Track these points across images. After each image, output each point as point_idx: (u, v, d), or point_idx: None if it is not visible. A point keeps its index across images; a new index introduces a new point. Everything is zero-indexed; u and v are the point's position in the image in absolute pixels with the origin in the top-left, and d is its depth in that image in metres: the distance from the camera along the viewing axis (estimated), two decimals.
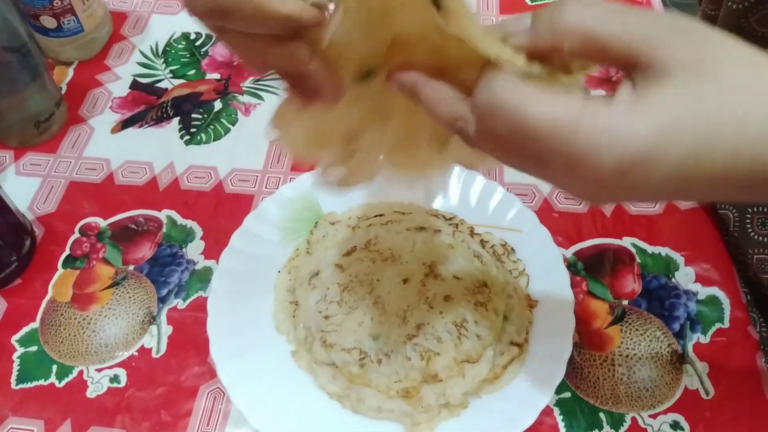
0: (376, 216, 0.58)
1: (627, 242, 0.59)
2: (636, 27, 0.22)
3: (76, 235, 0.60)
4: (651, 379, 0.51)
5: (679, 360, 0.52)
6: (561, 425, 0.49)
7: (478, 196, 0.59)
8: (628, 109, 0.21)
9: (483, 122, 0.25)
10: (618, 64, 0.23)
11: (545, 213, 0.60)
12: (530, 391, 0.48)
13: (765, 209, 0.54)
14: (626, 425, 0.49)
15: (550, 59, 0.24)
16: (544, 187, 0.63)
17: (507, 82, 0.24)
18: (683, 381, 0.51)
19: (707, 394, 0.50)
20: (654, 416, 0.49)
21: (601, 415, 0.50)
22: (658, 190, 0.22)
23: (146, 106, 0.70)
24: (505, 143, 0.24)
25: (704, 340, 0.53)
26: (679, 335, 0.53)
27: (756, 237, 0.54)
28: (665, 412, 0.50)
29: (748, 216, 0.55)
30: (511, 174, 0.64)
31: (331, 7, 0.27)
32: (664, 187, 0.22)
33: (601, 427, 0.49)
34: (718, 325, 0.54)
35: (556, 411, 0.50)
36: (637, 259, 0.58)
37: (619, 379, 0.51)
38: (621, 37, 0.22)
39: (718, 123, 0.20)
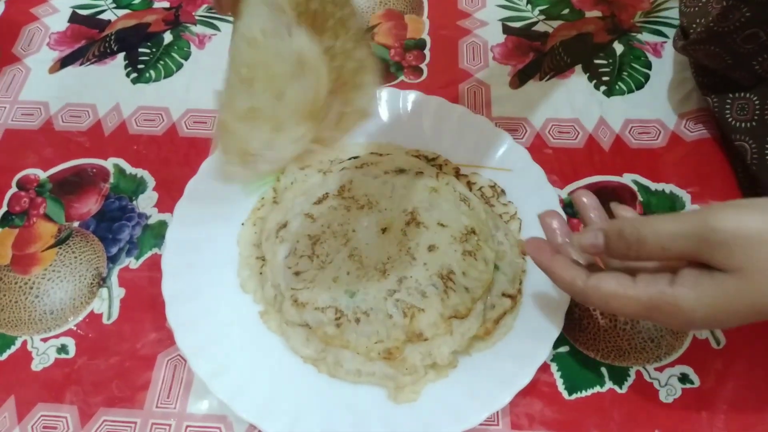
0: (350, 159, 0.53)
1: (628, 179, 0.54)
2: (700, 246, 0.32)
3: (14, 189, 0.55)
4: (656, 329, 0.47)
5: None
6: (559, 382, 0.45)
7: (463, 133, 0.54)
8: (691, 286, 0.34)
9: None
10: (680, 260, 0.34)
11: (538, 149, 0.55)
12: (525, 347, 0.44)
13: None
14: (630, 380, 0.45)
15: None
16: (537, 121, 0.57)
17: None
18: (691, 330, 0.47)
19: (718, 343, 0.46)
20: (660, 369, 0.45)
21: (603, 369, 0.46)
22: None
23: (87, 41, 0.64)
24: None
25: None
26: None
27: None
28: (672, 364, 0.46)
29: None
30: (499, 107, 0.58)
31: None
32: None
33: (603, 383, 0.45)
34: None
35: (554, 367, 0.46)
36: (639, 198, 0.53)
37: (622, 329, 0.47)
38: (689, 251, 0.33)
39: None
